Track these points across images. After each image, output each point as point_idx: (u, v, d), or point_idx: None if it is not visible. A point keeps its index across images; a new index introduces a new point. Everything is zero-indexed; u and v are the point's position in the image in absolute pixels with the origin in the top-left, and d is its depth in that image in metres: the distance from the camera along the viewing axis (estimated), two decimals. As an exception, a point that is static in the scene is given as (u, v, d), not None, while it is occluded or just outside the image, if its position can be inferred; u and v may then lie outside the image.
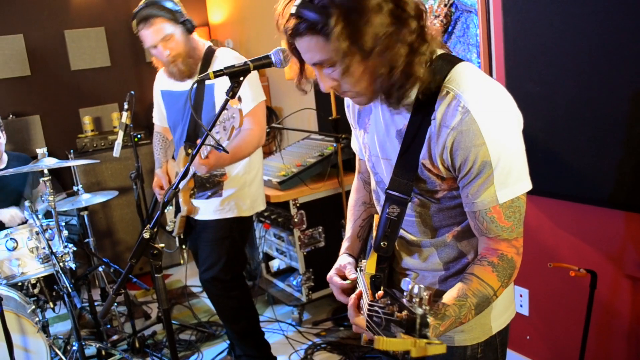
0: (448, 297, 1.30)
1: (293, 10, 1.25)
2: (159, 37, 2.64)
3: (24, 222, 3.54)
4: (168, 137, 3.23)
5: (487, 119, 1.25)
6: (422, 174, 1.39)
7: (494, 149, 1.26)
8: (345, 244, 1.71)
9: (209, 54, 2.81)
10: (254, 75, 2.76)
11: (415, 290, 1.04)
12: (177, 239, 3.14)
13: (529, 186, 1.33)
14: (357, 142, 1.69)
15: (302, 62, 1.41)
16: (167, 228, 3.06)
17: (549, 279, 2.76)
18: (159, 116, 3.18)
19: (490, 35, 2.74)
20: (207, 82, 2.73)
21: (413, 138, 1.36)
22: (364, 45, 1.22)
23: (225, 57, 2.78)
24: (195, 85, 1.74)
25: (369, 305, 1.16)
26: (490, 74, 2.77)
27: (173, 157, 3.18)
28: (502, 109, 1.29)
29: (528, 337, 2.93)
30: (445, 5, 2.90)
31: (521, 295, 2.91)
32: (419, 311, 1.01)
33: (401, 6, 1.24)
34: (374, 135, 1.52)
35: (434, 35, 1.31)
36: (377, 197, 1.64)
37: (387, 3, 1.22)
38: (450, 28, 2.92)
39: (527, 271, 2.81)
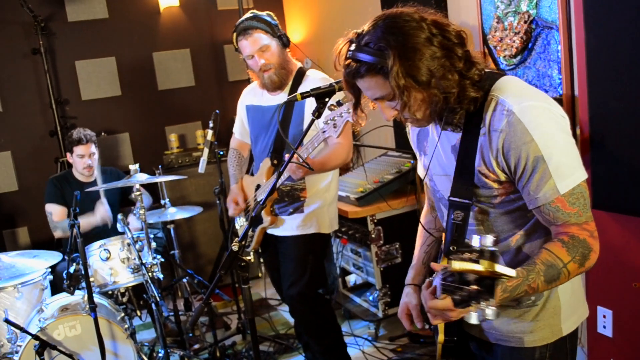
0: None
1: (349, 54, 1.39)
2: (256, 47, 2.80)
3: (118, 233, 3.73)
4: (243, 153, 3.35)
5: (530, 117, 1.36)
6: (479, 180, 1.47)
7: (543, 144, 1.35)
8: (410, 273, 1.81)
9: (300, 74, 2.94)
10: None
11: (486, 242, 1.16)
12: (254, 252, 3.20)
13: (584, 174, 1.41)
14: (422, 167, 1.77)
15: (357, 97, 1.53)
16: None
17: (635, 300, 2.67)
18: (241, 131, 3.31)
19: (572, 51, 2.71)
20: None
21: (467, 149, 1.47)
22: (420, 79, 1.33)
23: (315, 78, 2.91)
24: (284, 106, 1.83)
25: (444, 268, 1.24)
26: (572, 91, 2.73)
27: (248, 173, 3.28)
28: (544, 106, 1.39)
29: (612, 360, 2.85)
30: (525, 22, 2.89)
31: (604, 316, 2.82)
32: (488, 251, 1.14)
33: (446, 36, 1.36)
34: (432, 154, 1.62)
35: (478, 57, 1.42)
36: (441, 215, 1.71)
37: (436, 36, 1.34)
38: (530, 44, 2.91)
39: (611, 291, 2.73)
